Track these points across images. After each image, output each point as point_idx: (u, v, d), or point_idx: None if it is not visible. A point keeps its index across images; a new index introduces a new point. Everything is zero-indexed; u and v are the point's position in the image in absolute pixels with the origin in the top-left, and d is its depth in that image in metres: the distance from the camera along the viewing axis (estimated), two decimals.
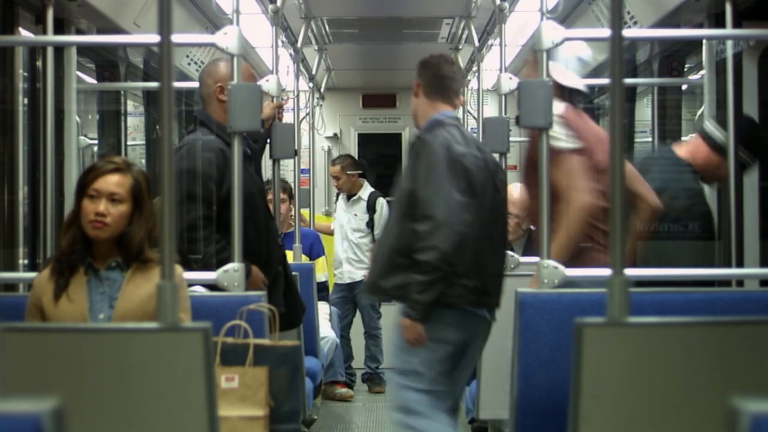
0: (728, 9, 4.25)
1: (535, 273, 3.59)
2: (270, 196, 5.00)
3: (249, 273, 3.83)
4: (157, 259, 3.11)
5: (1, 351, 1.91)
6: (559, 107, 3.76)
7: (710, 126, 4.17)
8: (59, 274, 3.12)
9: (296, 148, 5.35)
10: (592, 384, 1.98)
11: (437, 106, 4.00)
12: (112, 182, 3.13)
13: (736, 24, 4.28)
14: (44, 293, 3.12)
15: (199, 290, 3.54)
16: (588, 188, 3.72)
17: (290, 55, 6.58)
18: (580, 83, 3.98)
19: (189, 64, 6.07)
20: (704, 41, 4.71)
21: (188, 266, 3.52)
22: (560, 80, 3.89)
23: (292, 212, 6.50)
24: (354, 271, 7.70)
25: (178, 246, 3.74)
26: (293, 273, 4.48)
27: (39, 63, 4.27)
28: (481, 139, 4.98)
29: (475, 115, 7.25)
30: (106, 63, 5.46)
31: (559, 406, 2.97)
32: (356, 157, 8.96)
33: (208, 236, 3.80)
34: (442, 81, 4.03)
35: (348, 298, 7.74)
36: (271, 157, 4.99)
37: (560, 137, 3.77)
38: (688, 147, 4.39)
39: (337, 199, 8.19)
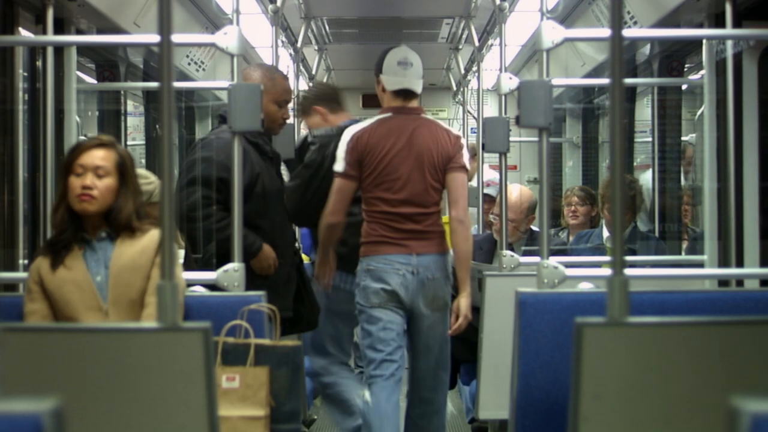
0: (728, 9, 4.25)
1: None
2: None
3: (260, 249, 3.97)
4: (146, 228, 3.18)
5: (1, 351, 1.91)
6: (350, 130, 4.23)
7: None
8: (55, 254, 3.15)
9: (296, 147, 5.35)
10: (592, 384, 1.98)
11: (340, 116, 4.67)
12: (97, 156, 3.16)
13: (736, 24, 4.27)
14: (42, 268, 3.15)
15: (199, 290, 3.54)
16: (331, 209, 4.21)
17: (290, 55, 6.58)
18: (405, 83, 4.26)
19: (189, 64, 6.07)
20: (704, 41, 4.70)
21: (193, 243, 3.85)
22: (388, 87, 4.26)
23: None
24: None
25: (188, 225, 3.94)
26: None
27: (39, 63, 4.26)
28: (481, 139, 4.99)
29: (475, 115, 7.25)
30: (106, 63, 5.46)
31: (559, 406, 2.98)
32: None
33: (215, 216, 3.96)
34: (335, 95, 4.77)
35: None
36: None
37: (338, 161, 4.22)
38: None
39: None
